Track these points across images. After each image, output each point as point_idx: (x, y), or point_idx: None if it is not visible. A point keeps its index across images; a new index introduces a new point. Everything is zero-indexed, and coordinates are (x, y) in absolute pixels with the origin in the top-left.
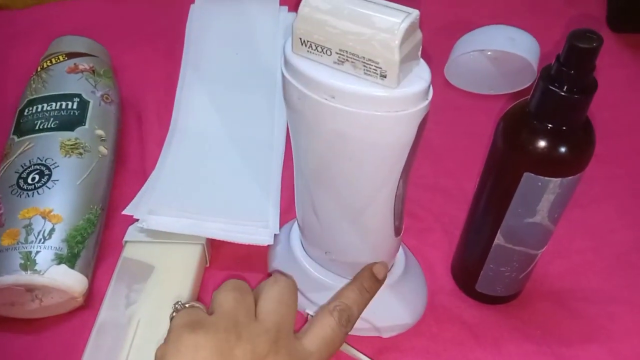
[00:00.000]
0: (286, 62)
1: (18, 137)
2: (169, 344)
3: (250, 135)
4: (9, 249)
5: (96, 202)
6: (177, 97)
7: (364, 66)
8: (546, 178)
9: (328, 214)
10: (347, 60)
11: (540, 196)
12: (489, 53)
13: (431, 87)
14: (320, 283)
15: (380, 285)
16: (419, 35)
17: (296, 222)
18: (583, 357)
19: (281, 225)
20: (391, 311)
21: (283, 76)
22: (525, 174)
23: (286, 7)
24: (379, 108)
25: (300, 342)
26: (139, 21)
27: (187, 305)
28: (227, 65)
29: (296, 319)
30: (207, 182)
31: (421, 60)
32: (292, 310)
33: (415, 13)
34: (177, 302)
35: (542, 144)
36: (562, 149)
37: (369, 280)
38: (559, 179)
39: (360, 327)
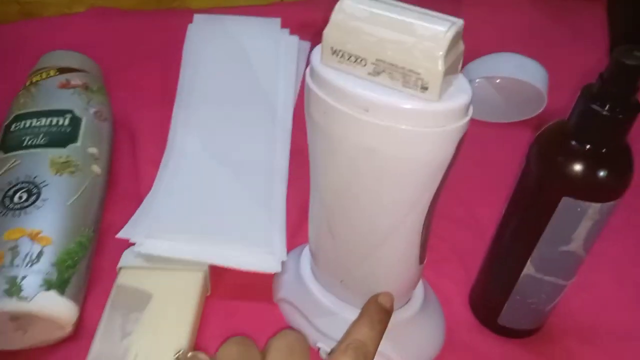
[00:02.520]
0: (313, 74)
1: (4, 153)
2: None
3: (250, 159)
4: None
5: (88, 224)
6: (174, 118)
7: (403, 77)
8: (586, 203)
9: (347, 239)
10: (383, 71)
11: (577, 222)
12: (498, 81)
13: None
14: (333, 313)
15: (390, 317)
16: (461, 46)
17: (306, 248)
18: None
19: (288, 251)
20: (409, 347)
21: (308, 88)
22: (564, 199)
23: (287, 30)
24: (418, 123)
25: None
26: (133, 39)
27: (189, 356)
28: (225, 87)
29: None
30: (206, 205)
31: (460, 74)
32: None
33: (459, 22)
34: (179, 352)
35: (583, 166)
36: (604, 172)
37: (378, 312)
38: (598, 205)
39: None
